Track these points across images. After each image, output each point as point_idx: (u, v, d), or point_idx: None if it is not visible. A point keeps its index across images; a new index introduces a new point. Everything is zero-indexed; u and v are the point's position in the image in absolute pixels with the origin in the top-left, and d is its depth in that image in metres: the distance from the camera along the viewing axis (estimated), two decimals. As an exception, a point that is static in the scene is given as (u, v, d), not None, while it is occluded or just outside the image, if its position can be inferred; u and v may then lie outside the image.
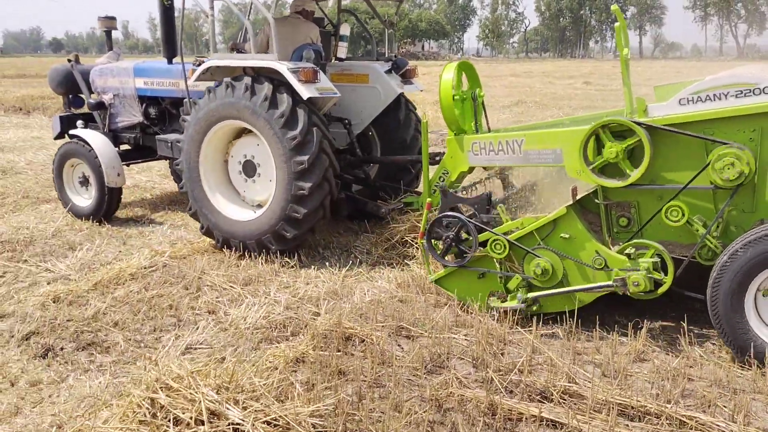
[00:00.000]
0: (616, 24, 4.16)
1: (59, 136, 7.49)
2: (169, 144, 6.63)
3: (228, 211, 5.75)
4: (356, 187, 6.60)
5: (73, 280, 4.99)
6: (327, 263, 5.51)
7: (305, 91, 5.18)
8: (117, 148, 6.99)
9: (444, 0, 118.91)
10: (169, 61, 6.84)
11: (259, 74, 5.45)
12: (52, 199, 7.52)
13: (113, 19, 7.70)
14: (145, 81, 6.96)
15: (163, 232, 6.45)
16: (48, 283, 4.93)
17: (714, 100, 3.75)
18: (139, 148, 7.41)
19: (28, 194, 7.90)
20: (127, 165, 7.10)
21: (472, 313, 4.29)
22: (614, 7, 4.43)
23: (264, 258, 5.45)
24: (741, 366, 3.60)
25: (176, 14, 6.85)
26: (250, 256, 5.51)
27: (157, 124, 7.13)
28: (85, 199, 6.86)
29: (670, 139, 3.89)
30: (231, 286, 4.88)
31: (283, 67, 5.24)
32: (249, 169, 5.73)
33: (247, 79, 5.33)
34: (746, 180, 3.63)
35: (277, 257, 5.47)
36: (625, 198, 4.14)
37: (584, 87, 27.03)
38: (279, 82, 5.31)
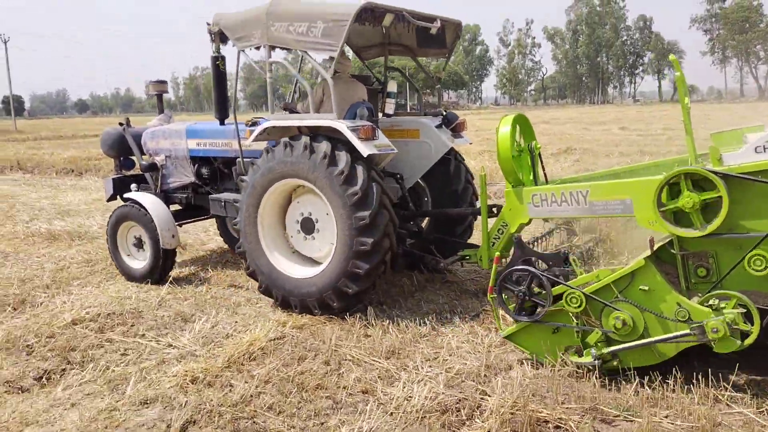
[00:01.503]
0: (676, 74, 4.16)
1: (111, 198, 7.64)
2: (223, 203, 6.71)
3: (287, 269, 5.76)
4: (409, 240, 6.57)
5: (201, 356, 4.75)
6: (458, 328, 5.26)
7: (365, 149, 5.24)
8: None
9: (461, 51, 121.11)
10: (221, 122, 6.98)
11: (316, 133, 5.53)
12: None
13: (164, 82, 7.93)
14: (198, 142, 7.10)
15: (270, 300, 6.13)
16: (177, 361, 4.69)
17: (793, 146, 3.70)
18: (190, 208, 7.51)
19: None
20: (180, 225, 7.18)
21: (653, 386, 3.95)
22: (672, 57, 4.45)
23: (387, 323, 5.29)
24: None
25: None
26: (373, 324, 5.29)
27: (209, 184, 7.24)
28: (140, 261, 6.92)
29: (748, 187, 3.82)
30: (374, 360, 4.58)
31: (343, 126, 5.31)
32: (308, 226, 5.76)
33: (306, 138, 5.41)
34: (834, 227, 3.54)
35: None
36: (703, 248, 4.05)
37: (622, 132, 26.92)
38: (337, 140, 5.38)
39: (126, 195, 7.06)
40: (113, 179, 7.63)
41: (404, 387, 4.10)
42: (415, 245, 6.48)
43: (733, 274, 3.92)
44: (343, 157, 5.27)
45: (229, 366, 4.50)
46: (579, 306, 4.13)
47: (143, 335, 5.22)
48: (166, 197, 7.34)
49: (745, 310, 3.75)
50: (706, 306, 3.83)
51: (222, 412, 3.83)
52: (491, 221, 5.51)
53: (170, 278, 6.75)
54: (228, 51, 6.57)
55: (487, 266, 5.55)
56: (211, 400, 3.96)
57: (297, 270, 5.78)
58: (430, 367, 4.46)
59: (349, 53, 7.53)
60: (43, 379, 4.41)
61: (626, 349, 4.04)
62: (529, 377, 4.19)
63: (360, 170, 5.26)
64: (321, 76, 5.67)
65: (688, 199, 3.89)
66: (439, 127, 6.34)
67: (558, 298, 4.22)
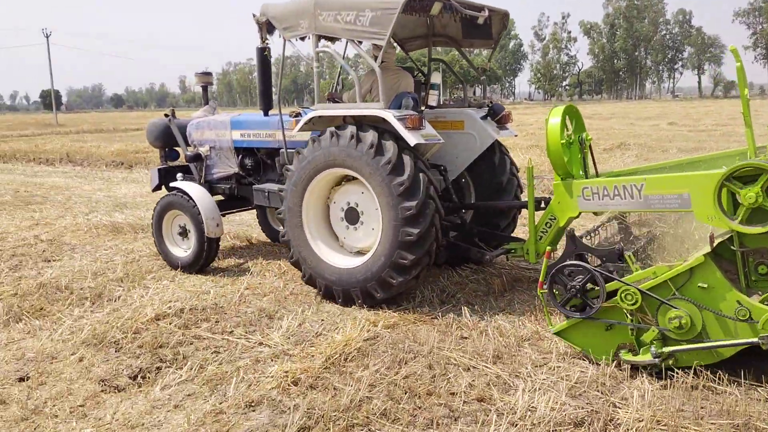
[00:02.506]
0: (737, 65, 4.02)
1: (157, 188, 7.74)
2: (266, 193, 6.74)
3: (330, 258, 5.76)
4: (452, 233, 6.51)
5: (296, 356, 4.58)
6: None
7: (412, 138, 5.20)
8: None
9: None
10: (265, 113, 7.01)
11: (362, 123, 5.51)
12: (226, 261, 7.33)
13: (209, 74, 8.00)
14: (242, 133, 7.15)
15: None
16: (272, 360, 4.53)
17: None
18: (233, 198, 7.57)
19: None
20: (223, 215, 7.24)
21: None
22: (732, 47, 4.29)
23: (483, 324, 5.08)
24: None
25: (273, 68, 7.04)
26: (468, 325, 5.10)
27: (252, 175, 7.28)
28: (184, 250, 7.00)
29: None
30: (482, 365, 4.31)
31: (389, 115, 5.28)
32: (352, 216, 5.75)
33: (352, 128, 5.39)
34: None
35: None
36: (764, 244, 3.92)
37: (672, 128, 26.33)
38: (383, 130, 5.34)
39: (171, 184, 7.14)
40: (159, 169, 7.72)
41: (523, 396, 3.83)
42: (459, 238, 6.42)
43: (798, 272, 3.78)
44: (390, 147, 5.24)
45: (327, 367, 4.32)
46: (634, 303, 4.02)
47: (231, 332, 5.07)
48: (210, 188, 7.40)
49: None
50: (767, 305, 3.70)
51: (334, 418, 3.64)
52: (538, 215, 5.42)
53: (248, 274, 6.73)
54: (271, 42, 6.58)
55: (534, 260, 5.47)
56: (321, 405, 3.77)
57: (341, 260, 5.77)
58: (545, 374, 4.17)
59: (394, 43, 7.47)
60: (138, 377, 4.29)
61: (686, 350, 3.92)
62: (657, 387, 3.91)
63: (407, 160, 5.22)
64: (367, 65, 5.62)
65: (749, 193, 3.76)
66: (484, 118, 6.25)
67: (612, 294, 4.12)
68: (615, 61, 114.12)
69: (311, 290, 6.06)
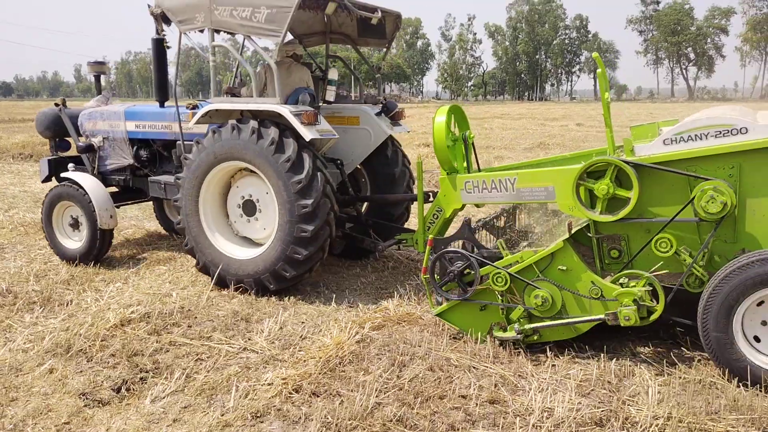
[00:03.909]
0: (598, 70, 4.50)
1: (47, 179, 7.50)
2: (162, 185, 6.73)
3: (226, 248, 5.87)
4: (348, 224, 6.77)
5: (288, 361, 4.40)
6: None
7: (308, 133, 5.39)
8: None
9: (403, 45, 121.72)
10: (161, 105, 6.98)
11: (262, 117, 5.64)
12: (168, 259, 7.01)
13: (103, 63, 7.85)
14: (137, 124, 7.07)
15: (329, 296, 5.87)
16: (263, 367, 4.32)
17: (696, 140, 4.10)
18: (127, 190, 7.47)
19: (133, 253, 7.37)
20: (117, 207, 7.13)
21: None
22: (595, 54, 4.80)
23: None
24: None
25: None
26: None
27: (147, 166, 7.22)
28: (75, 242, 6.85)
29: (656, 176, 4.20)
30: (483, 366, 4.24)
31: (285, 110, 5.44)
32: (249, 208, 5.87)
33: (254, 123, 5.51)
34: (728, 213, 3.95)
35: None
36: (615, 231, 4.43)
37: (580, 128, 27.41)
38: (285, 127, 5.50)
39: (63, 174, 6.97)
40: (49, 160, 7.49)
41: (535, 396, 3.80)
42: (354, 229, 6.69)
43: (642, 256, 4.31)
44: (290, 144, 5.40)
45: (324, 372, 4.14)
46: (504, 285, 4.44)
47: (209, 337, 4.82)
48: (104, 179, 7.28)
49: (651, 288, 4.14)
50: (617, 284, 4.20)
51: (350, 427, 3.51)
52: (427, 207, 5.77)
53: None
54: (169, 33, 6.57)
55: (422, 249, 5.82)
56: (333, 413, 3.62)
57: (236, 250, 5.89)
58: (547, 373, 4.14)
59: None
60: (122, 389, 3.99)
61: (545, 326, 4.38)
62: (659, 383, 3.94)
63: (306, 158, 5.40)
64: (264, 60, 5.76)
65: (601, 186, 4.25)
66: (378, 114, 6.55)
67: (486, 277, 4.52)
68: (517, 63, 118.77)
69: (282, 291, 5.86)
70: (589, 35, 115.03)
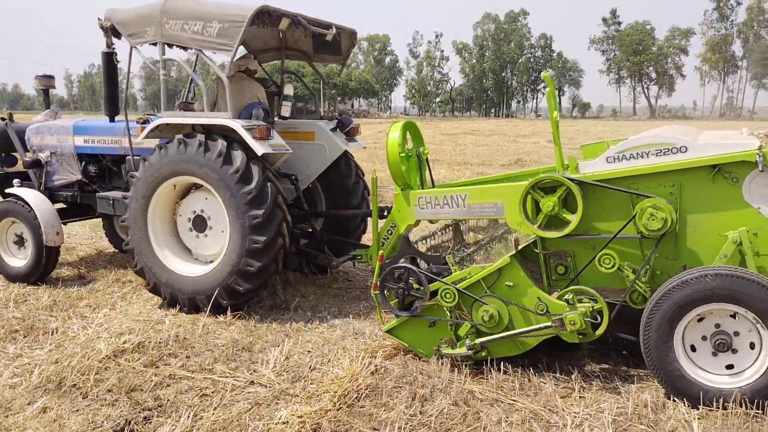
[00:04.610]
0: (547, 89, 4.56)
1: (-8, 195, 7.28)
2: (111, 201, 6.59)
3: (177, 266, 5.75)
4: (303, 240, 6.71)
5: (300, 396, 4.10)
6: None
7: (260, 148, 5.34)
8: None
9: (371, 61, 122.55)
10: (111, 119, 6.85)
11: (211, 131, 5.57)
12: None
13: (51, 77, 7.68)
14: (86, 139, 6.93)
15: (337, 324, 5.61)
16: (275, 403, 4.02)
17: (637, 158, 4.17)
18: (76, 206, 7.29)
19: (117, 276, 6.92)
20: (64, 223, 6.96)
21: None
22: (545, 73, 4.87)
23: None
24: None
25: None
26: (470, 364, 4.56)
27: (96, 182, 7.07)
28: (20, 260, 6.65)
29: (600, 194, 4.25)
30: (510, 399, 4.04)
31: (237, 125, 5.39)
32: (199, 224, 5.78)
33: (201, 136, 5.44)
34: (669, 230, 4.01)
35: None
36: (561, 247, 4.46)
37: (551, 145, 27.47)
38: (232, 139, 5.44)
39: (8, 190, 6.77)
40: (-6, 175, 7.28)
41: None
42: (309, 245, 6.63)
43: (587, 272, 4.34)
44: (238, 156, 5.35)
45: (342, 409, 3.87)
46: (452, 301, 4.43)
47: (211, 369, 4.51)
48: (51, 195, 7.09)
49: (596, 304, 4.17)
50: (563, 300, 4.23)
51: None
52: (382, 222, 5.75)
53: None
54: (121, 46, 6.48)
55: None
56: None
57: (188, 268, 5.78)
58: (576, 407, 3.94)
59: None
60: (126, 431, 3.69)
61: (494, 340, 4.38)
62: (694, 417, 3.74)
63: (255, 169, 5.35)
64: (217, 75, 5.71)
65: (548, 202, 4.28)
66: (333, 130, 6.54)
67: (435, 293, 4.50)
68: (484, 80, 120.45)
69: (281, 317, 5.73)
70: (554, 54, 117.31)
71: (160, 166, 5.61)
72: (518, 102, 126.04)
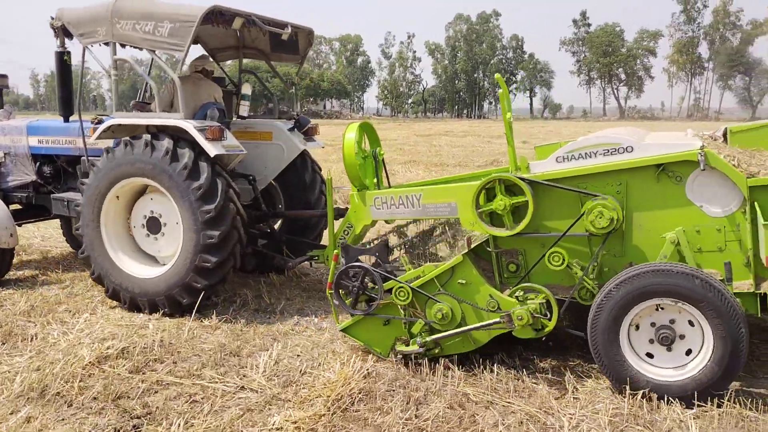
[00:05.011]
0: (500, 91, 4.61)
1: (-58, 197, 7.09)
2: (66, 203, 6.47)
3: (134, 270, 5.70)
4: (261, 241, 6.67)
5: (292, 401, 4.01)
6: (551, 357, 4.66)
7: (212, 149, 5.30)
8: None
9: (343, 61, 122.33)
10: (66, 119, 6.74)
11: (159, 131, 5.51)
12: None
13: (5, 77, 7.52)
14: (40, 139, 6.81)
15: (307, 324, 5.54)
16: (267, 408, 3.94)
17: (585, 158, 4.24)
18: (31, 208, 7.16)
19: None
20: (19, 225, 6.82)
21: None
22: (497, 75, 4.90)
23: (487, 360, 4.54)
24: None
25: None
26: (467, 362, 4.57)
27: (51, 183, 6.95)
28: (-28, 263, 6.49)
29: (549, 193, 4.31)
30: (505, 402, 4.01)
31: (190, 126, 5.34)
32: (153, 225, 5.71)
33: (147, 136, 5.40)
34: (615, 227, 4.08)
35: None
36: (513, 246, 4.51)
37: (527, 146, 27.44)
38: (179, 137, 5.39)
39: (-42, 193, 6.61)
40: (-56, 177, 7.09)
41: None
42: (267, 246, 6.59)
43: (538, 269, 4.40)
44: (186, 153, 5.31)
45: (334, 412, 3.82)
46: (406, 299, 4.44)
47: (199, 375, 4.40)
48: (5, 196, 6.97)
49: (546, 302, 4.22)
50: (513, 298, 4.27)
51: None
52: (338, 223, 5.75)
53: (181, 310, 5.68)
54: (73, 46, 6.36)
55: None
56: None
57: (145, 270, 5.72)
58: (571, 408, 3.92)
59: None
60: None
61: (446, 337, 4.40)
62: (689, 417, 3.73)
63: (203, 165, 5.32)
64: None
65: (502, 201, 4.33)
66: (291, 130, 6.51)
67: (389, 292, 4.51)
68: (456, 81, 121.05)
69: (267, 320, 5.65)
70: (525, 55, 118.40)
71: (109, 169, 5.55)
72: (490, 103, 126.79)
